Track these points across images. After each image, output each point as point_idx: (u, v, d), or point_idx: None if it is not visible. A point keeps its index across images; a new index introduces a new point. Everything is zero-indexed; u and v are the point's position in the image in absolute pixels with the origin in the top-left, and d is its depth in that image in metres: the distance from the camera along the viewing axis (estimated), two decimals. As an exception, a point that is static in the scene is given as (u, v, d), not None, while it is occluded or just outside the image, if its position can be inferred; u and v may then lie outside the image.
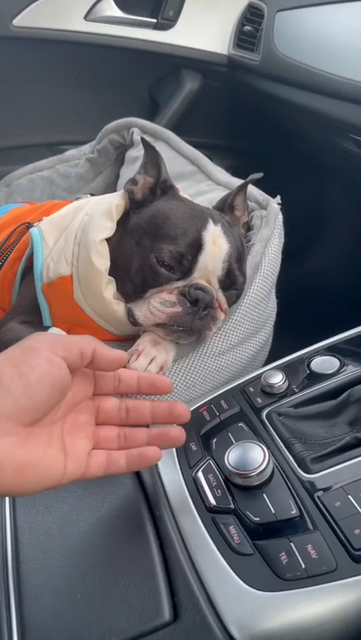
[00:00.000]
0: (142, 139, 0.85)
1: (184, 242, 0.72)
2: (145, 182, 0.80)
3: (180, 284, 0.73)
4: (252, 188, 0.93)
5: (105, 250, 0.76)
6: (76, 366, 0.49)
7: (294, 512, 0.54)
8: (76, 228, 0.79)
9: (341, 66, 1.16)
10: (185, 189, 0.86)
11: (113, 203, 0.79)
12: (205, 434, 0.68)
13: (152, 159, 0.81)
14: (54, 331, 0.76)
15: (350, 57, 1.15)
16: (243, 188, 0.87)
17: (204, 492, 0.60)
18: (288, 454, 0.61)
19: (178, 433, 0.57)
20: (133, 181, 0.81)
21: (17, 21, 1.40)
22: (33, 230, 0.83)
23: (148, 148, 0.82)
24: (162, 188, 0.80)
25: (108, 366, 0.52)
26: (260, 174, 0.88)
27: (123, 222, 0.79)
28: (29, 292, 0.80)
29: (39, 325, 0.79)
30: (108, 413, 0.56)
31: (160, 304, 0.72)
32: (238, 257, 0.76)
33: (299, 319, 1.24)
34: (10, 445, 0.44)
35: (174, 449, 0.67)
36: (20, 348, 0.48)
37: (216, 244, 0.74)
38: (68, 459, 0.49)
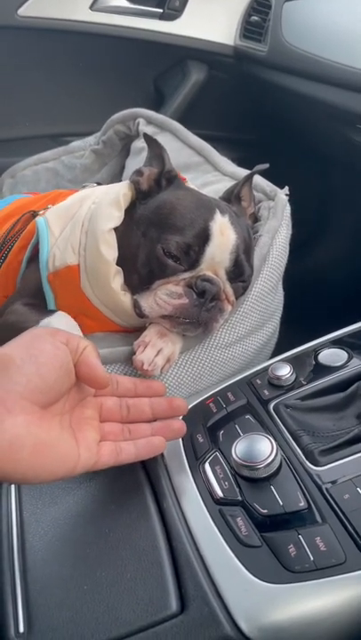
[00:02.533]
0: (144, 133, 0.84)
1: (191, 232, 0.71)
2: (150, 173, 0.80)
3: (186, 275, 0.72)
4: (259, 179, 0.92)
5: (113, 239, 0.75)
6: (73, 356, 0.52)
7: (302, 504, 0.54)
8: (82, 217, 0.79)
9: (350, 56, 1.14)
10: (192, 180, 0.86)
11: (121, 192, 0.78)
12: (212, 426, 0.68)
13: (155, 152, 0.81)
14: (60, 314, 0.75)
15: (359, 47, 1.13)
16: (249, 178, 0.86)
17: (210, 483, 0.59)
18: (296, 446, 0.61)
19: (180, 425, 0.62)
20: (139, 172, 0.80)
21: (22, 11, 1.39)
22: (39, 219, 0.82)
23: (151, 141, 0.82)
24: (167, 178, 0.80)
25: (88, 374, 0.54)
26: (266, 165, 0.87)
27: (130, 212, 0.79)
28: (35, 277, 0.80)
29: (43, 309, 0.78)
30: (110, 411, 0.59)
31: (166, 295, 0.72)
32: (246, 248, 0.76)
33: (305, 311, 1.23)
34: (27, 423, 0.47)
35: (181, 441, 0.67)
36: (26, 335, 0.51)
37: (224, 234, 0.73)
38: (80, 447, 0.52)
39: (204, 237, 0.71)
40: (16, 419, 0.46)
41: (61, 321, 0.73)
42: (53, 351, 0.50)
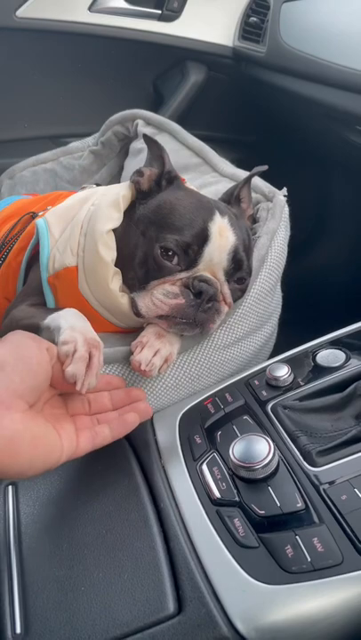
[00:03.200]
0: (144, 134, 0.84)
1: (190, 232, 0.71)
2: (150, 174, 0.80)
3: (183, 275, 0.72)
4: (258, 181, 0.92)
5: (112, 241, 0.75)
6: (52, 362, 0.59)
7: (300, 505, 0.54)
8: (82, 219, 0.78)
9: (349, 57, 1.15)
10: (190, 181, 0.86)
11: (120, 193, 0.78)
12: (210, 427, 0.68)
13: (155, 153, 0.81)
14: (68, 310, 0.74)
15: (358, 48, 1.14)
16: (249, 180, 0.86)
17: (208, 484, 0.59)
18: (293, 447, 0.61)
19: (144, 406, 0.66)
20: (139, 172, 0.80)
21: (20, 12, 1.39)
22: (39, 221, 0.82)
23: (150, 142, 0.82)
24: (167, 178, 0.80)
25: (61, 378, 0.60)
26: (265, 167, 0.87)
27: (129, 213, 0.79)
28: (36, 279, 0.80)
29: (45, 307, 0.78)
30: (75, 407, 0.63)
31: (163, 295, 0.72)
32: (245, 250, 0.76)
33: (303, 312, 1.23)
34: (24, 419, 0.51)
35: (178, 442, 0.67)
36: (12, 338, 0.56)
37: (222, 235, 0.73)
38: (62, 438, 0.57)
39: (202, 238, 0.71)
40: (14, 415, 0.50)
41: (71, 314, 0.73)
42: (40, 355, 0.56)
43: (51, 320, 0.71)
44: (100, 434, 0.61)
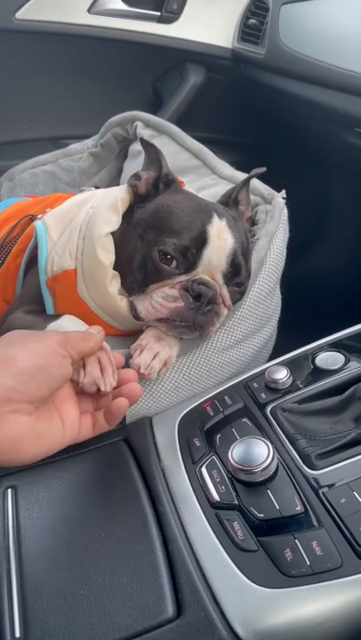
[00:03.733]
0: (141, 138, 0.84)
1: (188, 235, 0.71)
2: (147, 177, 0.80)
3: (182, 278, 0.72)
4: (256, 183, 0.92)
5: (110, 244, 0.75)
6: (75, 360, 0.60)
7: (299, 508, 0.54)
8: (80, 222, 0.78)
9: (348, 58, 1.15)
10: (189, 183, 0.86)
11: (118, 196, 0.78)
12: (209, 429, 0.68)
13: (152, 157, 0.81)
14: (67, 318, 0.75)
15: (357, 49, 1.14)
16: (247, 182, 0.86)
17: (207, 487, 0.59)
18: (293, 450, 0.61)
19: (135, 387, 0.66)
20: (137, 176, 0.80)
21: (20, 14, 1.39)
22: (37, 224, 0.82)
23: (147, 146, 0.82)
24: (164, 182, 0.80)
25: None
26: (263, 169, 0.87)
27: (127, 216, 0.79)
28: (34, 283, 0.80)
29: (45, 314, 0.78)
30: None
31: (162, 299, 0.72)
32: (243, 252, 0.76)
33: (302, 314, 1.23)
34: (29, 421, 0.54)
35: (178, 444, 0.67)
36: (35, 342, 0.57)
37: (221, 238, 0.73)
38: (65, 427, 0.59)
39: (201, 241, 0.72)
40: (20, 418, 0.53)
41: (68, 322, 0.74)
42: (62, 367, 0.57)
43: (51, 329, 0.71)
44: (98, 421, 0.64)
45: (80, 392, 0.64)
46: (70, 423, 0.60)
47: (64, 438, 0.59)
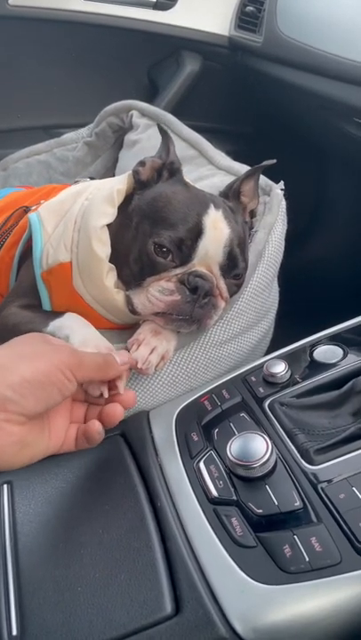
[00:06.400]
0: (158, 125, 0.83)
1: (184, 226, 0.70)
2: (153, 163, 0.78)
3: (178, 271, 0.71)
4: (255, 174, 0.91)
5: (106, 236, 0.74)
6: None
7: (298, 504, 0.54)
8: (75, 214, 0.77)
9: (346, 47, 1.13)
10: (186, 174, 0.84)
11: (114, 187, 0.77)
12: (207, 424, 0.67)
13: (165, 144, 0.80)
14: (69, 316, 0.74)
15: (356, 38, 1.12)
16: (252, 174, 0.84)
17: (205, 483, 0.59)
18: (291, 445, 0.61)
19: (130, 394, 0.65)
20: (141, 163, 0.79)
21: (13, 0, 1.36)
22: (31, 216, 0.81)
23: (161, 132, 0.81)
24: (169, 169, 0.78)
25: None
26: (273, 161, 0.84)
27: (124, 207, 0.77)
28: (29, 275, 0.78)
29: (40, 309, 0.77)
30: (76, 393, 0.62)
31: (158, 292, 0.71)
32: (240, 243, 0.75)
33: (300, 307, 1.23)
34: (21, 432, 0.53)
35: (175, 439, 0.66)
36: (46, 364, 0.54)
37: (217, 228, 0.72)
38: (51, 438, 0.58)
39: (196, 231, 0.70)
40: (12, 429, 0.52)
41: (74, 322, 0.73)
42: (66, 385, 0.55)
43: (55, 329, 0.71)
44: (79, 439, 0.61)
45: (73, 398, 0.63)
46: (57, 436, 0.59)
47: (47, 450, 0.58)
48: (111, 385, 0.63)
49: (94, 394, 0.62)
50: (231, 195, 0.82)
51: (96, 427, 0.60)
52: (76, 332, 0.69)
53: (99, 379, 0.61)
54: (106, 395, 0.62)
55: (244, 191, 0.83)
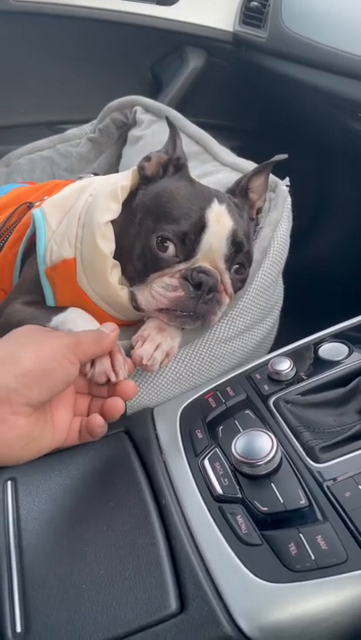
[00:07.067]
0: (167, 118, 0.83)
1: (187, 221, 0.70)
2: (158, 158, 0.78)
3: (182, 266, 0.71)
4: (259, 170, 0.90)
5: (110, 232, 0.74)
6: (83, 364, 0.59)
7: (303, 502, 0.53)
8: (79, 210, 0.77)
9: (352, 43, 1.12)
10: (190, 170, 0.84)
11: (119, 183, 0.76)
12: (211, 421, 0.67)
13: (171, 139, 0.79)
14: (72, 310, 0.73)
15: (361, 33, 1.11)
16: (261, 170, 0.83)
17: (210, 480, 0.59)
18: (296, 443, 0.60)
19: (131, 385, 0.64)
20: (147, 158, 0.78)
21: (16, -4, 1.36)
22: (35, 212, 0.80)
23: (170, 127, 0.80)
24: (175, 164, 0.78)
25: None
26: (285, 156, 0.82)
27: (128, 203, 0.77)
28: (32, 271, 0.78)
29: (45, 306, 0.77)
30: (80, 385, 0.64)
31: (162, 288, 0.70)
32: (244, 236, 0.74)
33: (305, 304, 1.22)
34: (27, 424, 0.53)
35: (180, 437, 0.66)
36: (47, 348, 0.55)
37: (220, 222, 0.71)
38: (55, 431, 0.58)
39: (199, 226, 0.70)
40: (19, 421, 0.52)
41: (77, 316, 0.72)
42: (68, 369, 0.55)
43: (58, 323, 0.70)
44: (82, 432, 0.61)
45: (76, 391, 0.63)
46: (60, 428, 0.59)
47: (51, 443, 0.58)
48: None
49: (100, 380, 0.62)
50: (238, 191, 0.81)
51: (97, 420, 0.60)
52: (79, 326, 0.69)
53: (99, 353, 0.61)
54: (113, 378, 0.62)
55: (252, 187, 0.82)
